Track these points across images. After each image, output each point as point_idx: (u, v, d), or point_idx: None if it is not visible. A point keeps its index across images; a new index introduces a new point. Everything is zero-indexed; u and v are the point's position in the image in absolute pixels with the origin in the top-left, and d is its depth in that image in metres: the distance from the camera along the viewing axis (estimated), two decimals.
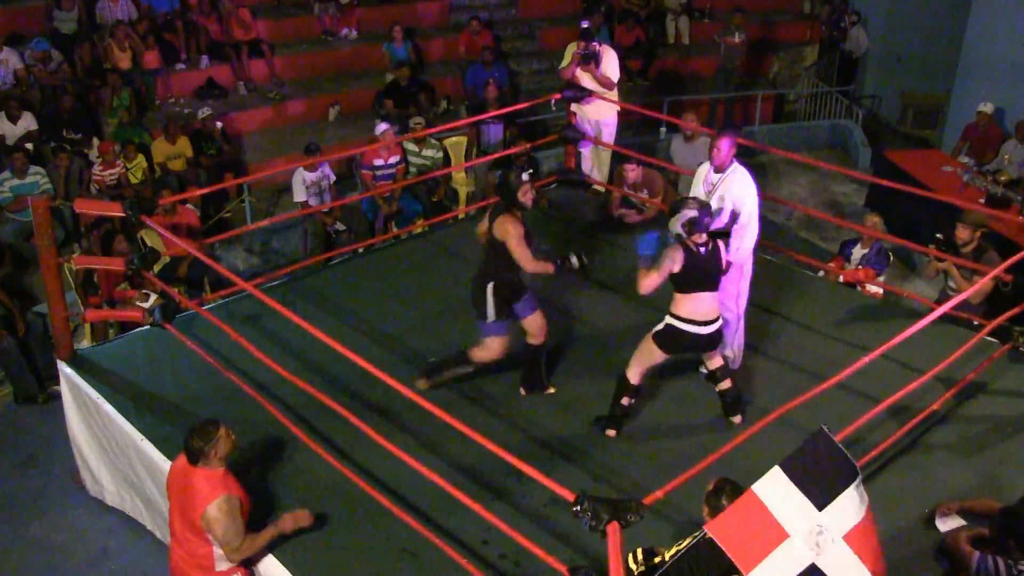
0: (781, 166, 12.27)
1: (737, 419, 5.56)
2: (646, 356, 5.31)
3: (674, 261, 5.02)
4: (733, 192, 5.58)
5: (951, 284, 6.78)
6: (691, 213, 5.01)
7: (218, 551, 4.40)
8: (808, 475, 3.27)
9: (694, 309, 5.12)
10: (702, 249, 5.09)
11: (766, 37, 14.12)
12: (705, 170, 5.79)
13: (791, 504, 3.25)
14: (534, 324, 5.68)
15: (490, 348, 5.57)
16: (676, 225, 5.04)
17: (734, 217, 5.59)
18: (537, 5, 13.99)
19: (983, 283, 5.48)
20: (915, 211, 9.67)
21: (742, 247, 5.61)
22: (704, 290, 5.12)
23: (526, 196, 5.35)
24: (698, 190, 5.74)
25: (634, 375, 5.35)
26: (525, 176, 5.34)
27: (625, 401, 5.43)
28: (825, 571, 3.21)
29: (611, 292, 7.05)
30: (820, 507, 3.24)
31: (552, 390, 5.86)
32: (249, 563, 4.60)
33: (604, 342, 6.42)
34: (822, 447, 3.31)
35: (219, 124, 10.25)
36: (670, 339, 5.20)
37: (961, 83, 12.90)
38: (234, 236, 8.85)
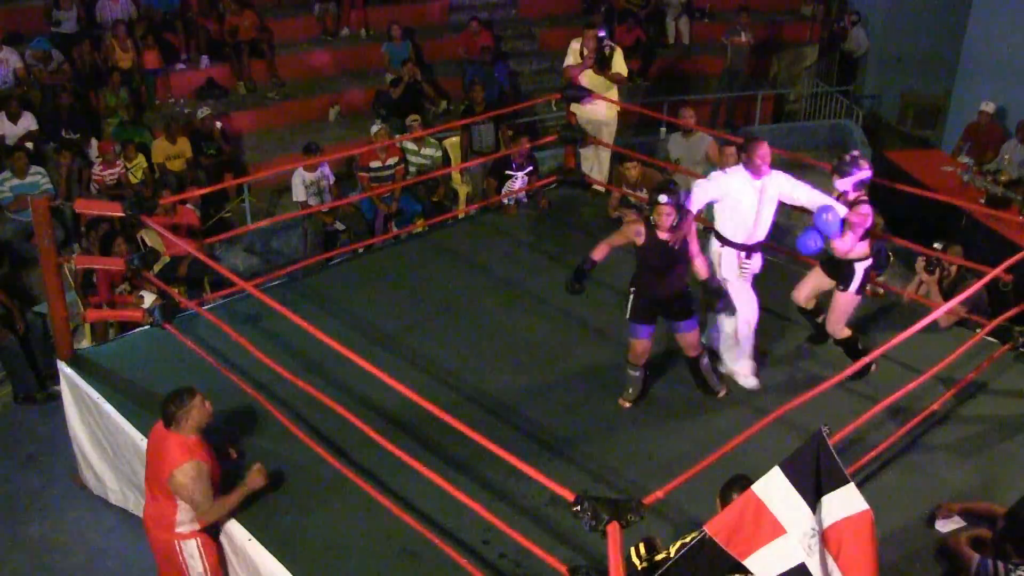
0: (781, 166, 12.24)
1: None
2: (850, 310, 5.86)
3: (868, 218, 5.55)
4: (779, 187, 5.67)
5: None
6: (864, 174, 5.59)
7: (181, 514, 4.57)
8: (805, 476, 3.31)
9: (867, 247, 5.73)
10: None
11: (767, 37, 14.11)
12: (740, 181, 5.59)
13: (788, 504, 3.30)
14: (683, 340, 5.67)
15: (632, 348, 5.62)
16: (847, 184, 5.58)
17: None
18: (537, 5, 13.99)
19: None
20: (915, 211, 9.67)
21: None
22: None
23: (661, 219, 5.23)
24: (743, 204, 5.59)
25: (846, 330, 5.88)
26: (663, 198, 5.19)
27: (861, 346, 5.89)
28: (812, 572, 3.29)
29: (611, 292, 7.05)
30: (813, 508, 3.30)
31: (723, 392, 5.84)
32: (215, 532, 4.77)
33: (604, 342, 6.42)
34: (820, 450, 3.34)
35: (219, 124, 10.25)
36: (867, 279, 5.76)
37: (961, 83, 12.90)
38: (234, 236, 8.85)
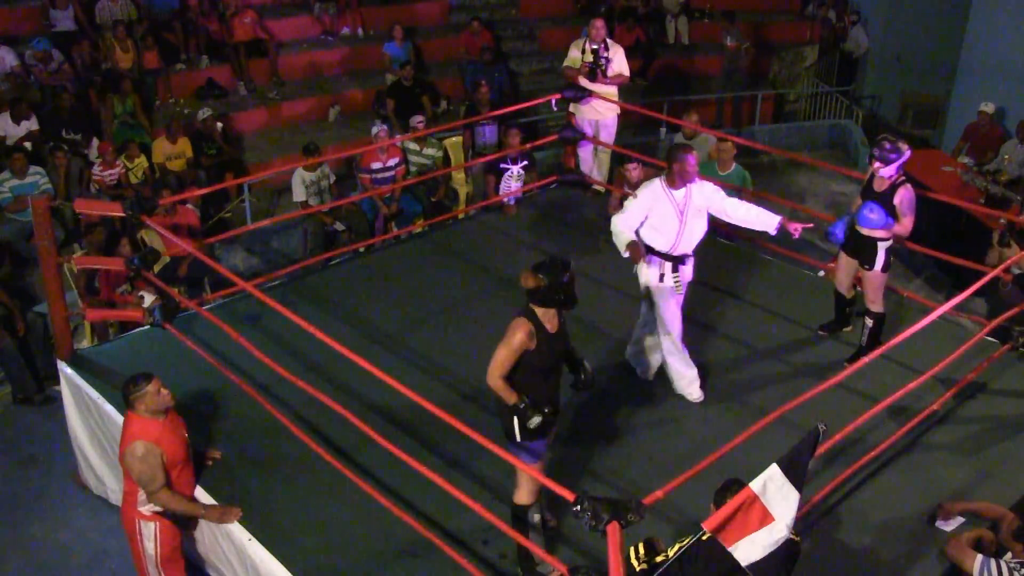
0: (781, 166, 12.27)
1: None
2: (882, 286, 6.02)
3: (913, 194, 5.74)
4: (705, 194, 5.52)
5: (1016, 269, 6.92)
6: (908, 155, 5.64)
7: (141, 494, 4.70)
8: (798, 470, 3.38)
9: None
10: None
11: (766, 37, 14.13)
12: (656, 194, 5.48)
13: (781, 496, 3.39)
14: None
15: (529, 483, 4.37)
16: (893, 169, 5.67)
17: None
18: (537, 5, 14.00)
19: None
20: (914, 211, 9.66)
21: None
22: None
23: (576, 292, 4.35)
24: (656, 215, 5.47)
25: (882, 306, 6.08)
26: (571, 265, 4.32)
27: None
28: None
29: (610, 292, 7.05)
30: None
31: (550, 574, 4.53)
32: (186, 525, 4.96)
33: (604, 342, 6.42)
34: (811, 443, 3.42)
35: (219, 125, 10.25)
36: (891, 257, 5.94)
37: (961, 83, 12.89)
38: (234, 236, 8.85)
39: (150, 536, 4.82)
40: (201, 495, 5.01)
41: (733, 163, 8.07)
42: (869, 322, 6.13)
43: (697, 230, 5.50)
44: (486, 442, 4.00)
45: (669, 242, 5.47)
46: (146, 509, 4.77)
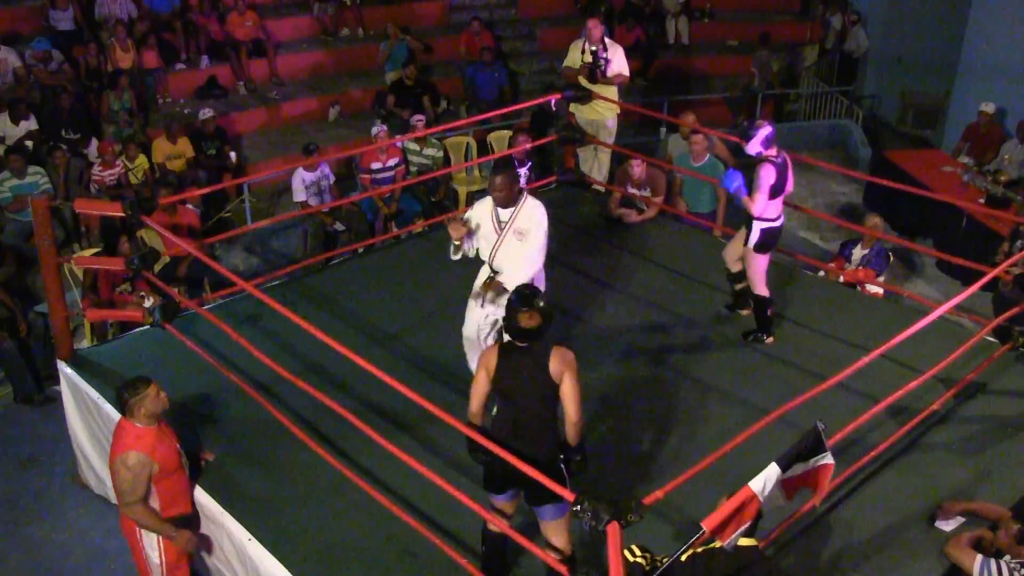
0: None
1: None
2: (761, 268, 6.15)
3: (770, 176, 5.80)
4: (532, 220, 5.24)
5: None
6: (766, 130, 5.76)
7: None
8: (794, 463, 3.40)
9: (776, 209, 5.99)
10: (779, 159, 5.85)
11: (766, 37, 14.12)
12: (482, 208, 5.33)
13: (773, 484, 3.47)
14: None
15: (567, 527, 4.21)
16: (756, 145, 5.77)
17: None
18: (537, 5, 14.01)
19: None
20: (915, 211, 9.68)
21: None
22: (781, 195, 6.00)
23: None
24: (480, 231, 5.30)
25: (763, 289, 6.22)
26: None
27: (770, 312, 6.35)
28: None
29: (610, 291, 7.06)
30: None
31: None
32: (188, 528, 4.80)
33: (604, 341, 6.42)
34: (810, 442, 3.45)
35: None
36: (768, 239, 6.02)
37: (961, 83, 12.89)
38: (234, 236, 8.85)
39: (153, 546, 4.73)
40: (201, 495, 5.00)
41: (707, 155, 8.14)
42: (752, 303, 6.41)
43: (512, 251, 5.21)
44: (486, 441, 4.00)
45: (486, 254, 5.33)
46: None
